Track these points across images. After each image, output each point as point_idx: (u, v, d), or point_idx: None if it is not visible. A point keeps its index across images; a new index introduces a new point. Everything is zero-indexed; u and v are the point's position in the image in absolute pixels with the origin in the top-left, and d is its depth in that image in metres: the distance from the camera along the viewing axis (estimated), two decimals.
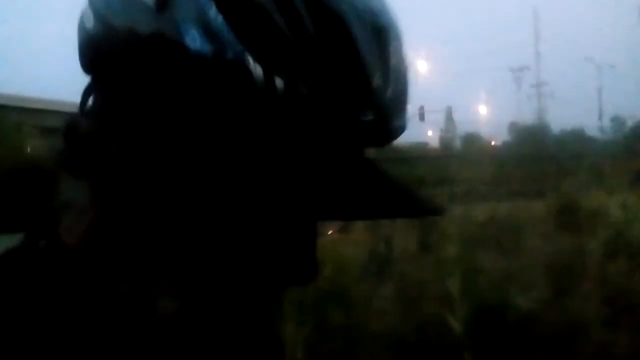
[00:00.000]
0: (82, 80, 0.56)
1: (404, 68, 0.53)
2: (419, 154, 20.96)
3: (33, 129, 20.14)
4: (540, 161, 16.11)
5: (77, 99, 0.56)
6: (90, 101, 0.55)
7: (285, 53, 0.48)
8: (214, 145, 0.50)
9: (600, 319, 4.39)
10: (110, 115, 0.53)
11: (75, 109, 0.56)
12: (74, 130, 0.55)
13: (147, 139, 0.52)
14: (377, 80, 0.50)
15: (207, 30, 0.48)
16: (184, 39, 0.48)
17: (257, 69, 0.48)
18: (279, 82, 0.48)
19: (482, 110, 55.56)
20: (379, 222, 5.49)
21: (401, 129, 0.53)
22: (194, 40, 0.48)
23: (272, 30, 0.48)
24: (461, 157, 22.21)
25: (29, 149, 18.71)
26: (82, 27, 0.55)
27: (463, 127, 38.50)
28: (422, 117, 37.23)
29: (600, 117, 39.20)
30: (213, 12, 0.48)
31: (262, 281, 0.54)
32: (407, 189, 0.52)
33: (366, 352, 4.08)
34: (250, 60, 0.48)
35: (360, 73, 0.49)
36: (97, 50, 0.54)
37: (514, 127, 30.38)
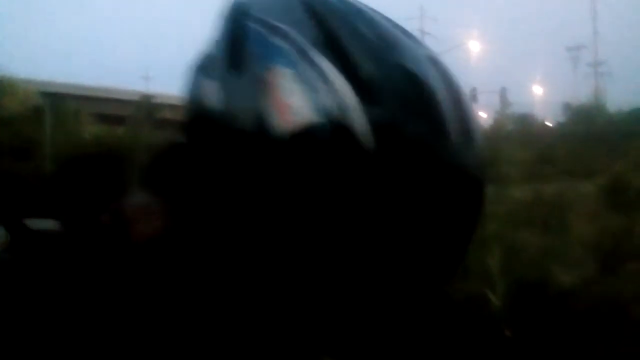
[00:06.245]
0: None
1: None
2: None
3: (89, 116, 20.70)
4: (594, 141, 15.79)
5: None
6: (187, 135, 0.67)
7: None
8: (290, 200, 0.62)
9: None
10: (210, 164, 0.64)
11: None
12: (168, 157, 0.69)
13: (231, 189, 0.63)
14: None
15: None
16: None
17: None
18: None
19: (537, 90, 54.38)
20: None
21: None
22: None
23: None
24: (513, 138, 21.88)
25: (86, 135, 19.25)
26: (198, 94, 0.67)
27: (517, 108, 37.82)
28: (474, 98, 36.78)
29: None
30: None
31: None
32: None
33: None
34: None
35: None
36: (217, 123, 0.64)
37: (568, 108, 29.74)
